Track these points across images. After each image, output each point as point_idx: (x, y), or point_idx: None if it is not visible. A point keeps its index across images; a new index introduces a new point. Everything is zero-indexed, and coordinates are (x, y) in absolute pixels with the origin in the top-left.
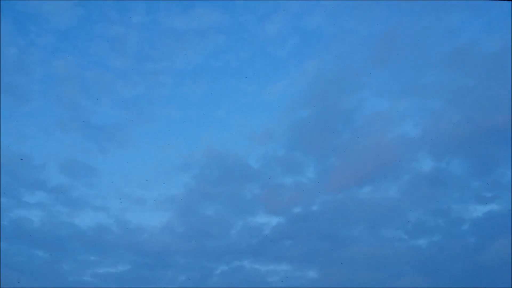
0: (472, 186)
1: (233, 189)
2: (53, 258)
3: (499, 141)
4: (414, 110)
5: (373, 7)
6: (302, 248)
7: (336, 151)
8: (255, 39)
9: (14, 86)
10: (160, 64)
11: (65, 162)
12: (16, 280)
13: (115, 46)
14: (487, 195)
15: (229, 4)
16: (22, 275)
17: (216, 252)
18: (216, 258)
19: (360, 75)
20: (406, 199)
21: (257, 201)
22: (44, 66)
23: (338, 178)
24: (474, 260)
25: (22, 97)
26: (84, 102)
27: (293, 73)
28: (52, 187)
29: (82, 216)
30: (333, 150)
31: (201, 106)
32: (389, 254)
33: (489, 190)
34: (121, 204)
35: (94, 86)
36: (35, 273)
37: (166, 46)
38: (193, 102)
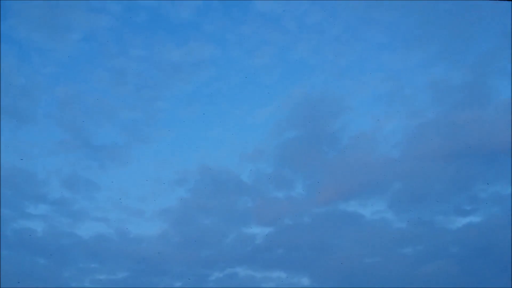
0: (452, 201)
1: (226, 202)
2: (54, 265)
3: (474, 161)
4: (395, 131)
5: (350, 41)
6: (293, 256)
7: (323, 169)
8: (244, 69)
9: (19, 110)
10: (157, 91)
11: (66, 177)
12: (18, 284)
13: (115, 76)
14: (466, 208)
15: (221, 40)
16: (24, 280)
17: (210, 260)
18: (211, 265)
19: (343, 99)
20: (391, 212)
21: (250, 213)
22: (48, 92)
23: (326, 193)
24: (457, 266)
25: (26, 120)
26: (85, 125)
27: (279, 99)
28: (54, 200)
29: (83, 227)
30: (320, 168)
31: (195, 127)
32: (377, 261)
33: (468, 204)
34: (120, 215)
35: (95, 110)
36: (37, 279)
37: (163, 76)
38: (187, 124)
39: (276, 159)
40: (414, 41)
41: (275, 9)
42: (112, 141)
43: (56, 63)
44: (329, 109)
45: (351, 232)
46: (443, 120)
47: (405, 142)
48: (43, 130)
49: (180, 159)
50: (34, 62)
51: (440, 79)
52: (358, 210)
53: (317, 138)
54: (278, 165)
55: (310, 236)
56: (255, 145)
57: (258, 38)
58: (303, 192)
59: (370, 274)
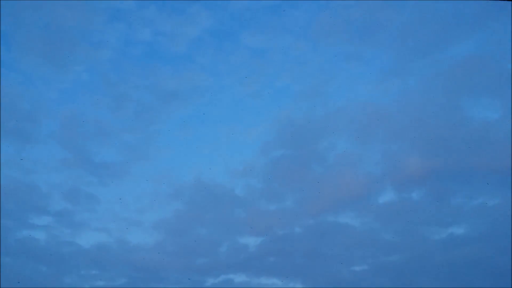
0: (433, 213)
1: (220, 213)
2: (56, 272)
3: (453, 176)
4: (378, 151)
5: (331, 71)
6: (285, 263)
7: (311, 184)
8: (235, 95)
9: (23, 131)
10: (154, 115)
11: (68, 191)
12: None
13: (115, 101)
14: (447, 220)
15: (213, 69)
16: (28, 286)
17: (206, 267)
18: (206, 272)
19: (327, 121)
20: (377, 223)
21: (243, 223)
22: (50, 116)
23: (315, 206)
24: (441, 273)
25: (30, 140)
26: (87, 145)
27: (267, 121)
28: (56, 212)
29: (83, 236)
30: (309, 183)
31: (190, 147)
32: (365, 269)
33: (449, 216)
34: (119, 225)
35: (96, 132)
36: (39, 285)
37: (160, 102)
38: (183, 144)
39: (266, 175)
40: (390, 74)
41: (262, 43)
42: (112, 159)
43: (59, 90)
44: (313, 131)
45: (341, 241)
46: (421, 140)
47: (387, 160)
48: (46, 149)
49: (176, 174)
50: (38, 88)
51: (417, 104)
52: (347, 220)
53: (304, 157)
54: (268, 180)
55: (301, 245)
56: (245, 162)
57: (247, 68)
58: (293, 205)
59: (359, 280)
